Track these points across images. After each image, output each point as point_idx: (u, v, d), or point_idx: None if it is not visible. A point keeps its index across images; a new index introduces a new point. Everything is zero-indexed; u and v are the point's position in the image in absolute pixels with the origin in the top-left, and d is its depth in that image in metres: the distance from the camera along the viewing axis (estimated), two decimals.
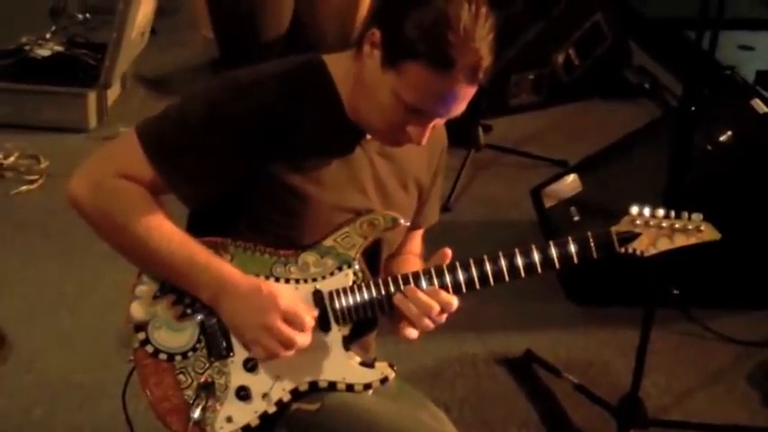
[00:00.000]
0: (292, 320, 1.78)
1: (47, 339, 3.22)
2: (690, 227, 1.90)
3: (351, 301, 1.85)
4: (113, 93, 4.89)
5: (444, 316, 1.86)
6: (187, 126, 1.80)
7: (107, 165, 1.82)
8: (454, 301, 1.85)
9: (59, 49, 4.85)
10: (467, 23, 1.70)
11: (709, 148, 3.50)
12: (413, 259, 2.11)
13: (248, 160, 1.80)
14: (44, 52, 4.79)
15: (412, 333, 1.86)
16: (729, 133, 3.54)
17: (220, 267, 1.80)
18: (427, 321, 1.84)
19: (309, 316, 1.80)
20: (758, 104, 3.54)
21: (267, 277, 1.83)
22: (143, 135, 1.81)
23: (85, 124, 4.62)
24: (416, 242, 2.17)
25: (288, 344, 1.78)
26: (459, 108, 1.79)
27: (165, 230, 1.79)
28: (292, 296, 1.82)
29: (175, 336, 1.84)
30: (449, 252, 1.88)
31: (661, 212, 1.90)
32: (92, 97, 4.63)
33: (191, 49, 5.57)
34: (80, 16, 5.71)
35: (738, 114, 3.59)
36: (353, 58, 1.83)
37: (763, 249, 3.47)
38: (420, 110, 1.77)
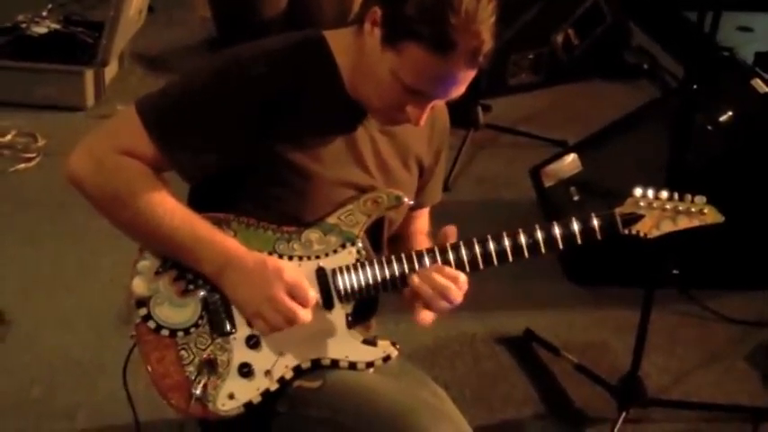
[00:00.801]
0: (296, 294, 1.78)
1: (45, 318, 3.21)
2: (693, 209, 1.90)
3: (354, 278, 1.85)
4: (111, 71, 4.86)
5: (460, 297, 1.84)
6: (187, 102, 1.79)
7: (107, 141, 1.81)
8: (461, 276, 1.84)
9: (56, 26, 4.83)
10: (469, 6, 1.68)
11: (710, 128, 3.49)
12: (421, 238, 2.10)
13: (248, 137, 1.79)
14: (41, 30, 4.76)
15: (427, 317, 1.86)
16: (730, 113, 3.53)
17: (224, 242, 1.79)
18: (443, 303, 1.83)
19: (313, 291, 1.80)
20: (759, 84, 3.53)
21: (270, 254, 1.83)
22: (143, 111, 1.79)
23: (83, 103, 4.60)
24: (423, 221, 2.16)
25: (290, 317, 1.77)
26: (459, 90, 1.78)
27: (167, 206, 1.78)
28: (297, 271, 1.81)
29: (177, 312, 1.83)
30: (453, 229, 1.87)
31: (665, 194, 1.90)
32: (89, 75, 4.61)
33: (188, 27, 5.54)
34: None
35: (739, 95, 3.58)
36: (354, 35, 1.82)
37: (763, 229, 3.47)
38: (419, 91, 1.76)
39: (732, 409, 3.03)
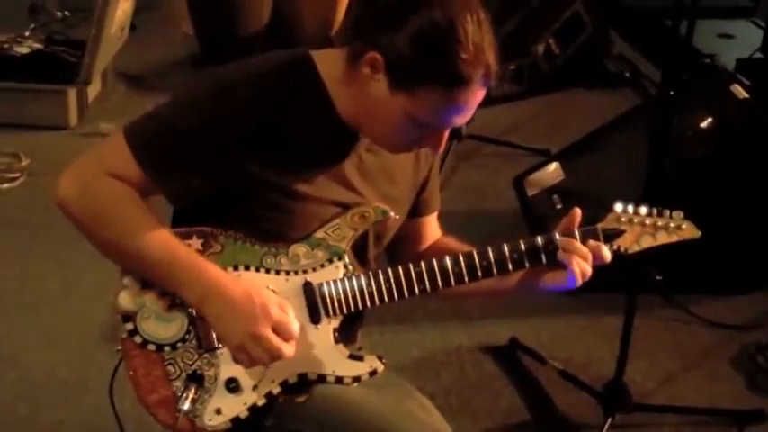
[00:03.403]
0: (282, 331, 1.76)
1: (30, 336, 3.22)
2: (671, 225, 1.92)
3: (341, 293, 1.85)
4: (93, 89, 4.87)
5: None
6: (174, 127, 1.78)
7: (95, 164, 1.80)
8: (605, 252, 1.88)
9: (38, 46, 4.84)
10: (475, 37, 1.69)
11: (690, 134, 3.52)
12: (444, 244, 2.12)
13: (235, 160, 1.78)
14: (23, 50, 4.78)
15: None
16: (710, 120, 3.56)
17: (206, 271, 1.77)
18: (587, 267, 1.86)
19: (296, 325, 1.79)
20: (738, 90, 3.55)
21: (257, 268, 1.83)
22: (130, 136, 1.79)
23: (66, 121, 4.59)
24: (433, 228, 2.16)
25: (275, 355, 1.76)
26: (472, 113, 1.80)
27: (150, 231, 1.77)
28: (282, 303, 1.79)
29: (164, 326, 1.82)
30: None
31: (644, 210, 1.92)
32: (72, 94, 4.62)
33: (170, 44, 5.54)
34: (59, 13, 5.70)
35: (718, 101, 3.61)
36: (345, 66, 1.79)
37: (743, 234, 3.49)
38: (436, 125, 1.78)
39: (716, 412, 3.04)
